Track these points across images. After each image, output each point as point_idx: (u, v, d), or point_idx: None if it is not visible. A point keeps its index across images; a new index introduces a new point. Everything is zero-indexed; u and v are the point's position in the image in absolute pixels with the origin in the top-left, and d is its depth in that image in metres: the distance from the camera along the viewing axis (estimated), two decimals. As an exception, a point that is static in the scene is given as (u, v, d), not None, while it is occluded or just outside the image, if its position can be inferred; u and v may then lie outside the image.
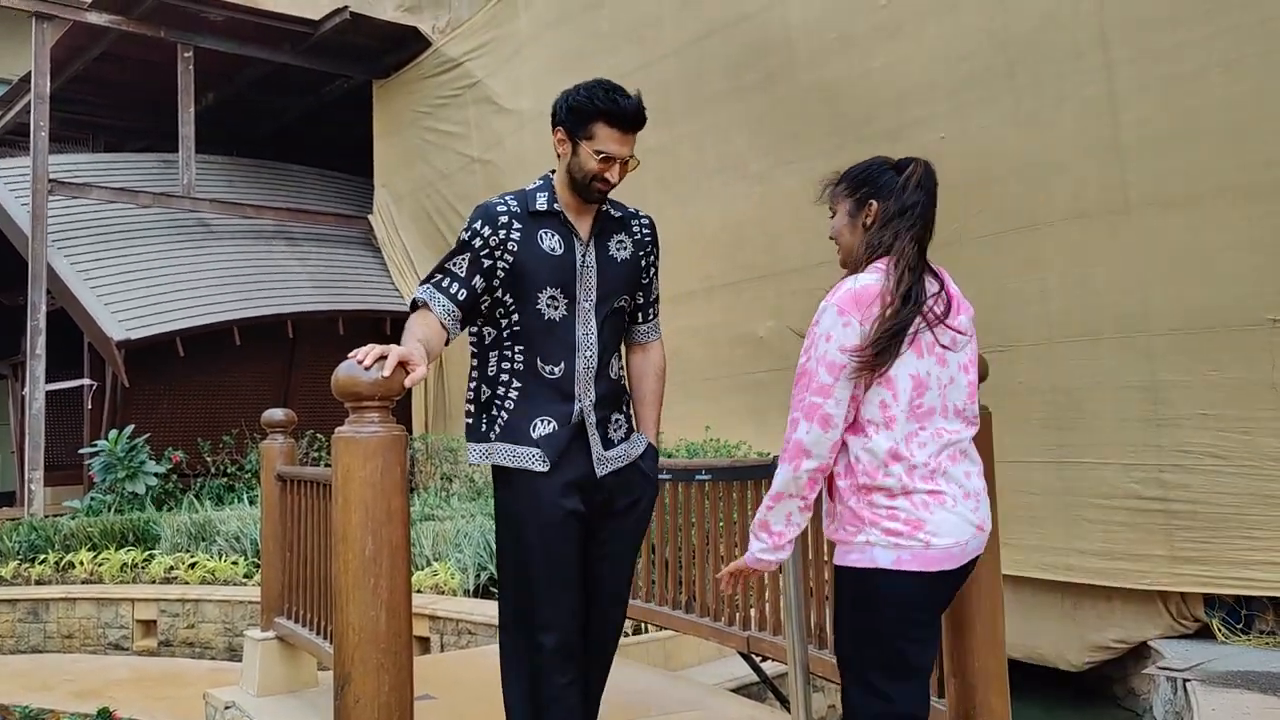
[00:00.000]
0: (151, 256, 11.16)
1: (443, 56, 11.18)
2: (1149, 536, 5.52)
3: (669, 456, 6.98)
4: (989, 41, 6.20)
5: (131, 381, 10.38)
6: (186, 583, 7.43)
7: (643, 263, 2.68)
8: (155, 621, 7.21)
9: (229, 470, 10.90)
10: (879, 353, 2.11)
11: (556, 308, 2.52)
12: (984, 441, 2.75)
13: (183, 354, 10.50)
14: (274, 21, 11.38)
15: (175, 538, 8.14)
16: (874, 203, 2.26)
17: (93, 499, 9.94)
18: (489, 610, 5.60)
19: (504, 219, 2.51)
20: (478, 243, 2.49)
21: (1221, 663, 4.94)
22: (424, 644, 5.86)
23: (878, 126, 6.76)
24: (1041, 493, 5.95)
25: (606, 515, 2.59)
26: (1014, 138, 6.11)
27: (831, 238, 2.37)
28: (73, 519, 8.97)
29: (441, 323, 2.47)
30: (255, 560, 7.43)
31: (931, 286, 2.22)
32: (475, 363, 2.61)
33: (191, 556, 7.78)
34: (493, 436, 2.54)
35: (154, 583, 7.54)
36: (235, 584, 7.32)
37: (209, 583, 7.40)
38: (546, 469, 2.48)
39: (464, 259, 2.49)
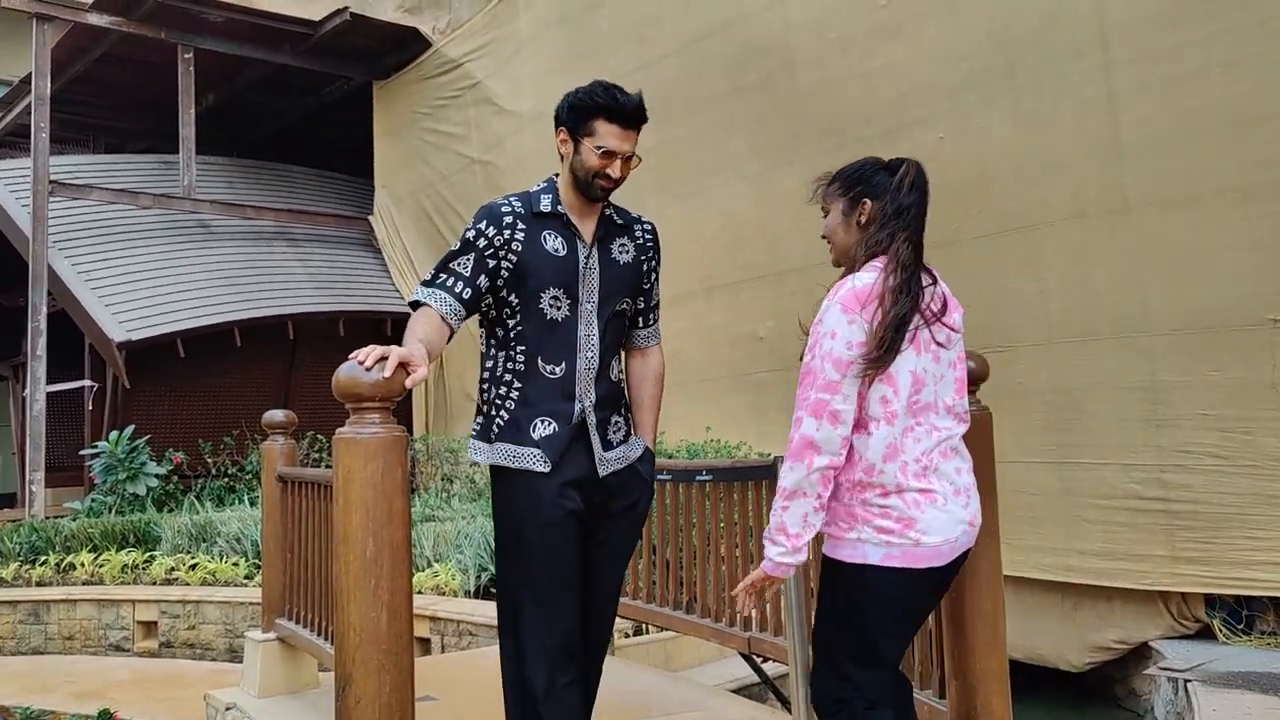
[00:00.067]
0: (152, 258, 11.15)
1: (443, 57, 11.18)
2: (1150, 537, 5.51)
3: (670, 457, 6.99)
4: (989, 41, 6.20)
5: (132, 383, 10.38)
6: (187, 584, 7.43)
7: (644, 267, 2.71)
8: (156, 623, 7.22)
9: (230, 471, 10.90)
10: (885, 349, 2.15)
11: (559, 308, 2.54)
12: (984, 441, 2.76)
13: (183, 355, 10.50)
14: (274, 23, 11.38)
15: (176, 539, 8.15)
16: (868, 201, 2.31)
17: (93, 500, 9.94)
18: (490, 611, 5.60)
19: (508, 219, 2.53)
20: (482, 242, 2.51)
21: (1222, 663, 4.94)
22: (425, 645, 5.87)
23: (877, 127, 6.76)
24: (1041, 493, 5.95)
25: (604, 516, 2.61)
26: (1014, 138, 6.11)
27: (824, 237, 2.42)
28: (73, 520, 8.98)
29: (445, 320, 2.48)
30: (256, 561, 7.43)
31: (927, 285, 2.27)
32: (482, 364, 2.64)
33: (192, 558, 7.79)
34: (493, 436, 2.56)
35: (155, 584, 7.54)
36: (236, 585, 7.33)
37: (210, 584, 7.40)
38: (548, 469, 2.49)
39: (469, 258, 2.51)
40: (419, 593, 6.17)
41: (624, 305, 2.66)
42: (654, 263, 2.75)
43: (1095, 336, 5.76)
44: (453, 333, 2.52)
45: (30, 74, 10.91)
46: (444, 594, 6.36)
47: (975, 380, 2.81)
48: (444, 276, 2.51)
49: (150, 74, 12.27)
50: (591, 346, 2.56)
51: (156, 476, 10.16)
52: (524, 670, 2.52)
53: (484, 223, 2.53)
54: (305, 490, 4.07)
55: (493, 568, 6.36)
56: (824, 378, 2.17)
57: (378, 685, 2.25)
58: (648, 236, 2.73)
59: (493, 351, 2.60)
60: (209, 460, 10.87)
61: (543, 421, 2.52)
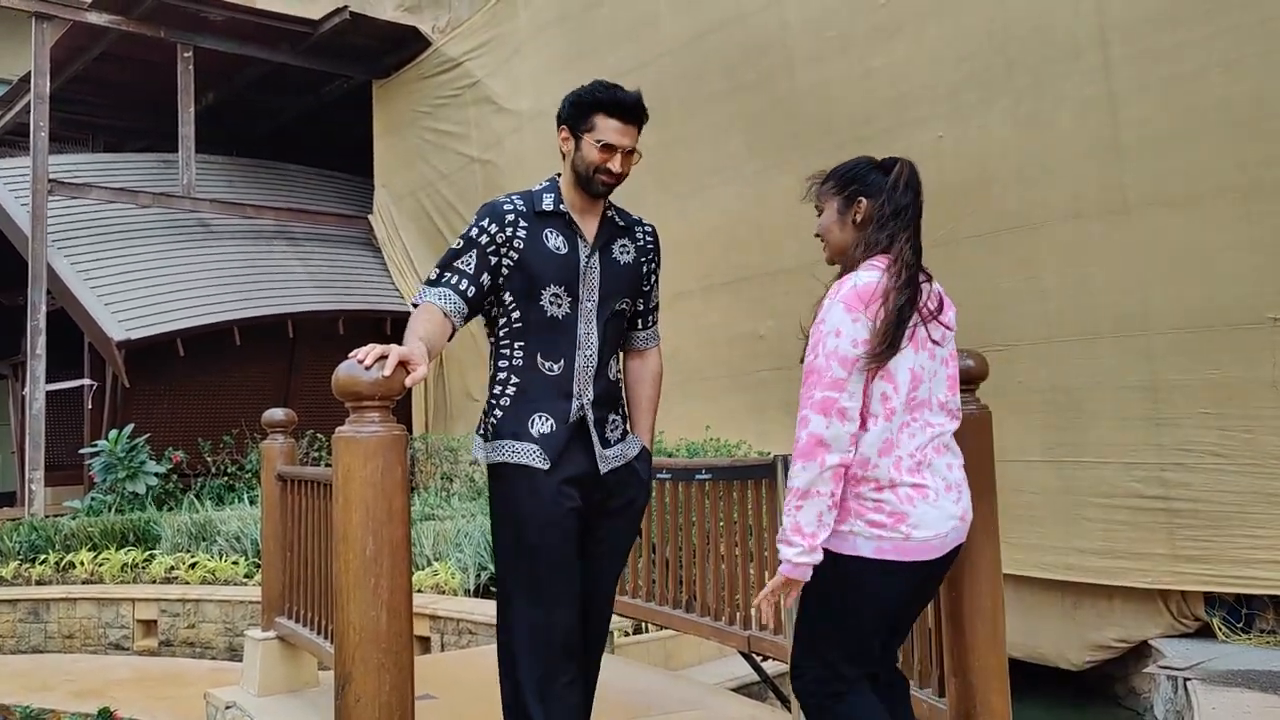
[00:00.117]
0: (151, 256, 11.15)
1: (442, 56, 11.18)
2: (1150, 535, 5.52)
3: (669, 456, 6.99)
4: (989, 42, 6.20)
5: (132, 381, 10.38)
6: (187, 583, 7.43)
7: (644, 268, 2.73)
8: (156, 621, 7.22)
9: (229, 470, 10.90)
10: (889, 345, 2.18)
11: (560, 305, 2.55)
12: (983, 440, 2.76)
13: (183, 354, 10.50)
14: (273, 21, 11.38)
15: (176, 538, 8.14)
16: (863, 200, 2.33)
17: (93, 499, 9.94)
18: (489, 610, 5.60)
19: (510, 217, 2.55)
20: (484, 240, 2.52)
21: (1222, 662, 4.94)
22: (424, 644, 5.87)
23: (876, 127, 6.76)
24: (1041, 491, 5.96)
25: (603, 514, 2.62)
26: (1013, 137, 6.11)
27: (818, 235, 2.44)
28: (73, 519, 8.98)
29: (448, 317, 2.49)
30: (256, 560, 7.43)
31: (923, 283, 2.30)
32: (489, 362, 2.66)
33: (192, 556, 7.79)
34: (492, 432, 2.57)
35: (154, 583, 7.54)
36: (236, 584, 7.33)
37: (209, 583, 7.40)
38: (547, 466, 2.50)
39: (472, 255, 2.52)
40: (419, 591, 6.17)
41: (624, 305, 2.67)
42: (654, 265, 2.77)
43: (1095, 335, 5.77)
44: (455, 330, 2.52)
45: (29, 73, 10.90)
46: (444, 592, 6.36)
47: (975, 379, 2.82)
48: (449, 275, 2.52)
49: (149, 73, 12.27)
50: (590, 344, 2.57)
51: (156, 475, 10.16)
52: (523, 669, 2.52)
53: (486, 220, 2.54)
54: (305, 489, 4.07)
55: (492, 566, 6.35)
56: (830, 375, 2.18)
57: (377, 684, 2.26)
58: (649, 238, 2.75)
59: (495, 350, 2.62)
60: (209, 459, 10.87)
61: (540, 418, 2.53)
